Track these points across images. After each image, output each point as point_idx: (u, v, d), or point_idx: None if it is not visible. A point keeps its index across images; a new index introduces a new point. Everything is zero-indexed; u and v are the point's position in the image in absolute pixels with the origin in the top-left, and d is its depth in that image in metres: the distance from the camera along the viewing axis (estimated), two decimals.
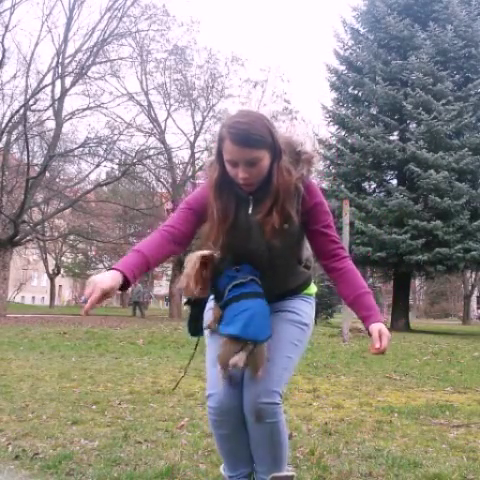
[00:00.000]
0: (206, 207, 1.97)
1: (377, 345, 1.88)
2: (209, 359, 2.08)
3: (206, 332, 2.13)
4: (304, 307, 2.15)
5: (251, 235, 1.98)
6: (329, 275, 2.07)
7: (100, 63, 21.25)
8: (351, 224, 13.42)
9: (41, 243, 33.06)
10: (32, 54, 19.83)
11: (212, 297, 2.08)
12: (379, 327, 1.91)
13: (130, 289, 26.50)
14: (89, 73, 20.77)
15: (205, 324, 2.12)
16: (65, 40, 19.75)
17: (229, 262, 1.99)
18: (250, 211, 1.95)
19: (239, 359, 1.82)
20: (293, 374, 2.18)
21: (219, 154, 1.91)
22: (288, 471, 2.12)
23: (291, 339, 2.08)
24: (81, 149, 21.87)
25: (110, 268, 1.81)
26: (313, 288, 2.23)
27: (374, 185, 21.13)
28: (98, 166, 22.69)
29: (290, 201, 1.92)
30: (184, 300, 2.31)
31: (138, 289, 26.99)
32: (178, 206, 2.11)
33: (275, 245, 1.95)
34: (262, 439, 2.02)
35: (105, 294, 1.70)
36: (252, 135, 1.82)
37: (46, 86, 19.96)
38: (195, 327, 2.20)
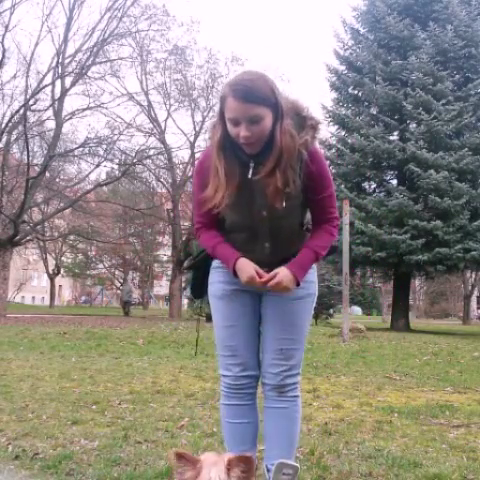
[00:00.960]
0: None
1: (263, 279, 1.98)
2: (216, 325, 2.19)
3: (210, 293, 2.21)
4: (309, 275, 2.15)
5: (254, 198, 1.97)
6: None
7: (100, 63, 21.26)
8: (351, 224, 13.42)
9: (41, 243, 33.07)
10: (32, 54, 19.86)
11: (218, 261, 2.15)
12: (282, 270, 1.98)
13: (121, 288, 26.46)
14: (89, 73, 20.78)
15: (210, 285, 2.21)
16: (65, 40, 19.75)
17: (234, 225, 2.04)
18: (250, 175, 1.93)
19: None
20: None
21: (221, 115, 1.89)
22: (295, 462, 2.17)
23: (303, 318, 2.16)
24: (81, 149, 21.88)
25: (233, 264, 2.01)
26: None
27: (374, 185, 21.14)
28: (98, 166, 22.72)
29: (293, 164, 1.90)
30: (185, 265, 2.37)
31: (128, 289, 26.93)
32: (193, 185, 2.13)
33: (278, 207, 1.94)
34: (282, 414, 2.14)
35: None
36: (254, 91, 1.80)
37: (46, 86, 19.97)
38: (199, 290, 2.28)
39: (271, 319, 2.15)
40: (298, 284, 2.03)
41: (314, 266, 2.18)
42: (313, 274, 2.19)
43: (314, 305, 2.23)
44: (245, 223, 2.04)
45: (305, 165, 1.94)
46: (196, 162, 2.13)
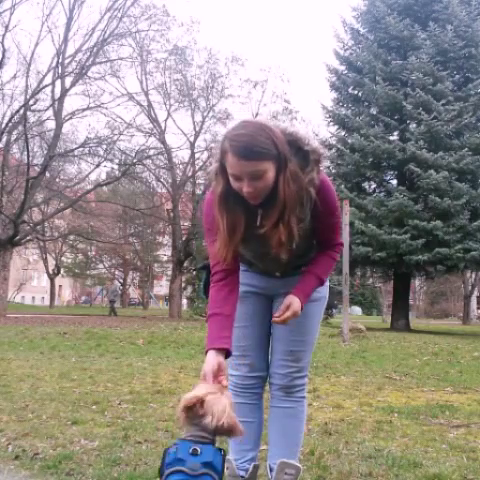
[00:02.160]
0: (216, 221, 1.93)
1: (277, 314, 1.98)
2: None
3: None
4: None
5: (263, 243, 1.94)
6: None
7: (100, 63, 21.28)
8: (351, 224, 13.43)
9: (41, 243, 33.08)
10: (32, 54, 19.87)
11: None
12: (291, 299, 1.97)
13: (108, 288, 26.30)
14: (89, 73, 20.80)
15: None
16: (65, 40, 19.76)
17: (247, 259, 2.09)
18: (258, 223, 1.90)
19: None
20: None
21: (222, 167, 1.83)
22: (298, 462, 2.18)
23: (314, 321, 2.19)
24: (81, 149, 21.89)
25: (206, 351, 1.83)
26: None
27: (374, 185, 21.15)
28: (98, 166, 22.73)
29: (298, 211, 1.87)
30: (199, 265, 2.37)
31: (114, 288, 26.82)
32: (205, 234, 2.06)
33: (283, 258, 1.97)
34: (288, 414, 2.16)
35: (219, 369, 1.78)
36: (255, 147, 1.72)
37: (46, 86, 19.98)
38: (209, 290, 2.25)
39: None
40: (301, 310, 2.03)
41: None
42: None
43: (323, 309, 2.26)
44: (255, 257, 2.11)
45: (314, 203, 1.90)
46: (203, 211, 2.06)
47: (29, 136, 19.50)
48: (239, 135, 1.74)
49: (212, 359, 1.78)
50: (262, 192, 1.81)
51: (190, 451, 1.54)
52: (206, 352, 1.83)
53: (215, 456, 1.58)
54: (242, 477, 2.16)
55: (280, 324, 2.01)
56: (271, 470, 2.15)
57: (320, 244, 2.09)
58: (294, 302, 1.97)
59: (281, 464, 2.10)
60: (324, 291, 2.21)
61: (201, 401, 1.60)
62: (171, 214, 26.03)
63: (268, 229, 1.87)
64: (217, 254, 1.94)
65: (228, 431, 1.61)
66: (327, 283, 2.21)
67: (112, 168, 25.24)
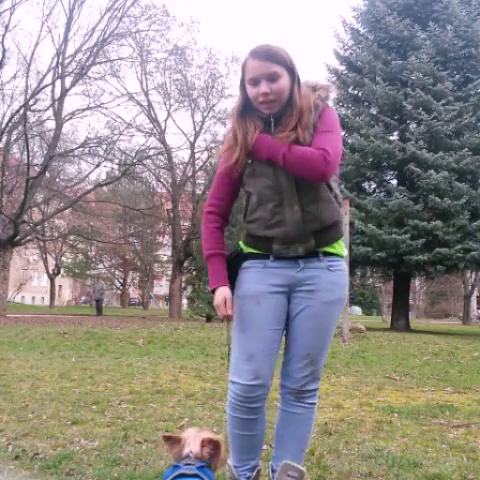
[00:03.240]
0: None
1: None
2: (239, 331, 2.12)
3: (237, 294, 2.15)
4: (339, 279, 2.11)
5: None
6: None
7: (100, 63, 21.27)
8: (351, 224, 13.42)
9: (41, 243, 33.07)
10: (32, 54, 19.87)
11: (250, 261, 2.13)
12: None
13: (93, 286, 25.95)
14: (89, 73, 20.79)
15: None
16: (65, 40, 19.75)
17: (260, 195, 2.03)
18: (272, 129, 2.00)
19: None
20: None
21: (242, 84, 2.01)
22: (301, 467, 2.17)
23: (331, 324, 2.13)
24: (81, 149, 21.89)
25: (213, 290, 2.08)
26: (343, 247, 2.17)
27: (374, 185, 21.14)
28: (98, 166, 22.72)
29: (311, 119, 1.99)
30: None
31: (100, 286, 26.58)
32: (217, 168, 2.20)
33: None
34: (297, 419, 2.13)
35: (226, 300, 2.05)
36: (272, 51, 1.95)
37: (46, 86, 19.97)
38: None
39: (301, 322, 2.10)
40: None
41: (346, 269, 2.18)
42: (344, 277, 2.15)
43: (341, 309, 2.20)
44: (270, 185, 2.01)
45: (319, 117, 2.01)
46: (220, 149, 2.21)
47: (29, 136, 19.50)
48: (259, 45, 1.99)
49: (220, 293, 2.04)
50: (277, 96, 1.95)
51: (184, 463, 1.76)
52: (213, 289, 2.07)
53: (206, 469, 1.77)
54: None
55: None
56: (273, 471, 2.14)
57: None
58: None
59: (284, 465, 2.08)
60: (343, 293, 2.14)
61: (178, 439, 1.82)
62: (171, 214, 26.04)
63: (285, 132, 1.95)
64: (228, 165, 2.04)
65: (210, 458, 1.80)
66: (346, 283, 2.16)
67: (112, 168, 25.27)
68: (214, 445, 1.80)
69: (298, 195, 1.99)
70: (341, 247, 2.14)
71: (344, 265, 2.16)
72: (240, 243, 2.19)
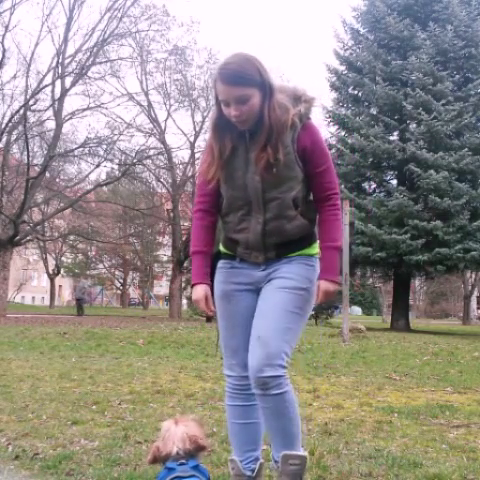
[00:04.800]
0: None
1: (315, 299, 2.13)
2: (220, 329, 2.24)
3: (214, 293, 2.24)
4: (301, 270, 2.13)
5: (248, 168, 2.07)
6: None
7: (100, 63, 21.28)
8: (351, 224, 13.42)
9: (41, 243, 33.09)
10: (32, 54, 19.89)
11: (221, 261, 2.24)
12: (319, 284, 2.12)
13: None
14: (89, 73, 20.81)
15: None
16: (65, 40, 19.76)
17: (230, 201, 2.12)
18: (247, 144, 2.05)
19: None
20: (295, 345, 2.20)
21: (216, 97, 2.03)
22: (301, 451, 2.14)
23: (287, 307, 2.08)
24: (81, 149, 21.89)
25: (192, 285, 2.20)
26: (315, 248, 2.20)
27: (374, 185, 21.15)
28: (98, 166, 22.73)
29: (283, 138, 2.01)
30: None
31: (82, 286, 26.29)
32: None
33: (267, 178, 2.03)
34: (271, 413, 2.08)
35: (206, 298, 2.17)
36: (240, 74, 1.92)
37: (46, 86, 19.98)
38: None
39: (257, 309, 2.16)
40: (338, 283, 2.13)
41: (314, 265, 2.17)
42: (309, 271, 2.14)
43: (306, 303, 2.13)
44: (240, 195, 2.10)
45: (298, 137, 2.03)
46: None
47: (29, 136, 19.50)
48: (227, 64, 1.96)
49: (201, 290, 2.16)
50: (248, 116, 1.98)
51: (178, 463, 1.75)
52: (193, 285, 2.19)
53: (200, 466, 1.78)
54: (249, 476, 2.17)
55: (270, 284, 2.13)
56: (276, 462, 2.16)
57: (317, 197, 2.15)
58: (321, 284, 2.11)
59: (284, 456, 2.10)
60: (303, 283, 2.11)
61: (157, 448, 1.81)
62: (171, 214, 26.04)
63: (257, 151, 2.01)
64: (205, 179, 2.13)
65: (197, 450, 1.81)
66: (310, 276, 2.14)
67: (112, 168, 25.29)
68: (196, 436, 1.81)
69: (264, 210, 2.09)
70: (310, 249, 2.18)
71: (309, 260, 2.15)
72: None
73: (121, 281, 48.47)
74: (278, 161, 2.00)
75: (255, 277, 2.18)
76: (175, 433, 1.80)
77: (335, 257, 2.13)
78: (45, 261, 39.36)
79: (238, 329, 2.19)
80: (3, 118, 20.55)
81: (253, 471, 2.19)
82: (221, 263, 2.25)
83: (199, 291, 2.15)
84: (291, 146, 2.02)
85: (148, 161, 23.82)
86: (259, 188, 2.06)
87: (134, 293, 58.28)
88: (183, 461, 1.74)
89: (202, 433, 1.85)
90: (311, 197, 2.17)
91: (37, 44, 19.88)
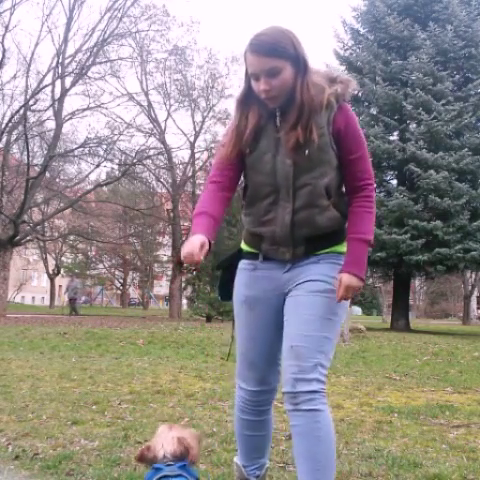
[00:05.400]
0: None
1: (336, 294, 1.90)
2: (238, 336, 2.06)
3: (233, 297, 2.08)
4: (331, 270, 1.93)
5: (278, 151, 1.90)
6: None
7: (100, 63, 21.28)
8: None
9: (41, 243, 33.08)
10: (32, 54, 19.88)
11: (243, 261, 2.05)
12: (341, 277, 1.89)
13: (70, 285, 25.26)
14: (89, 73, 20.80)
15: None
16: (65, 40, 19.75)
17: (257, 188, 1.94)
18: (278, 123, 1.90)
19: None
20: (332, 356, 1.99)
21: (246, 75, 1.89)
22: None
23: (321, 313, 1.89)
24: (81, 149, 21.89)
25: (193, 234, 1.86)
26: (345, 246, 2.00)
27: (374, 185, 21.13)
28: (98, 166, 22.72)
29: (317, 116, 1.85)
30: (217, 264, 2.28)
31: (74, 285, 25.94)
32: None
33: (299, 161, 1.86)
34: (300, 432, 1.85)
35: (202, 246, 1.78)
36: (271, 45, 1.79)
37: (46, 86, 19.98)
38: (226, 291, 2.14)
39: (286, 317, 1.95)
40: (363, 280, 1.91)
41: (340, 262, 1.97)
42: (337, 270, 1.95)
43: (340, 307, 1.96)
44: (268, 181, 1.92)
45: (334, 118, 1.86)
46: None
47: (29, 136, 19.50)
48: (259, 35, 1.82)
49: (197, 239, 1.79)
50: (278, 92, 1.82)
51: (165, 464, 1.74)
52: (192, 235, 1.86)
53: (188, 467, 1.76)
54: None
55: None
56: None
57: (349, 188, 1.97)
58: (343, 277, 1.87)
59: None
60: (333, 284, 1.91)
61: (147, 447, 1.80)
62: (171, 214, 26.04)
63: (286, 131, 1.85)
64: (223, 156, 1.95)
65: (186, 455, 1.78)
66: (337, 275, 1.94)
67: (112, 168, 25.28)
68: (187, 441, 1.80)
69: (293, 197, 1.91)
70: (342, 246, 2.01)
71: (340, 259, 1.97)
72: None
73: (121, 281, 48.47)
74: (311, 142, 1.83)
75: (279, 280, 1.99)
76: (166, 436, 1.81)
77: (363, 251, 1.93)
78: (45, 261, 39.36)
79: (259, 341, 2.02)
80: (3, 118, 20.58)
81: (258, 477, 2.14)
82: (243, 263, 2.06)
83: (195, 239, 1.79)
84: (326, 127, 1.85)
85: (148, 161, 23.82)
86: (290, 172, 1.88)
87: (134, 293, 58.27)
88: (171, 463, 1.75)
89: (194, 443, 1.81)
90: (344, 189, 2.00)
91: (37, 44, 19.90)
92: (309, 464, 1.83)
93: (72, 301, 25.09)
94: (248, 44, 1.83)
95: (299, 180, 1.88)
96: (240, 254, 2.10)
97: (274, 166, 1.90)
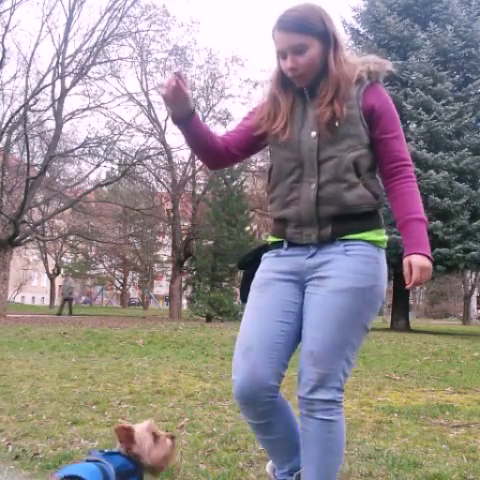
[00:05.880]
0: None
1: (407, 281, 1.78)
2: (242, 324, 1.89)
3: (251, 286, 1.95)
4: (360, 264, 1.77)
5: (304, 124, 1.83)
6: (387, 196, 1.88)
7: (100, 63, 21.27)
8: None
9: (41, 243, 33.08)
10: (32, 54, 19.87)
11: (266, 252, 1.95)
12: (409, 260, 1.75)
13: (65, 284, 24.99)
14: (89, 73, 20.80)
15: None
16: (65, 40, 19.75)
17: (281, 164, 1.88)
18: (308, 102, 1.84)
19: None
20: (355, 362, 1.87)
21: (276, 55, 1.85)
22: None
23: (345, 317, 1.75)
24: (81, 149, 21.88)
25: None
26: (381, 235, 1.85)
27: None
28: (98, 166, 22.71)
29: (349, 90, 1.79)
30: (236, 262, 2.19)
31: (69, 284, 25.77)
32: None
33: (325, 133, 1.79)
34: (310, 438, 1.78)
35: (177, 88, 1.84)
36: (297, 20, 1.74)
37: (46, 86, 19.98)
38: (248, 291, 1.97)
39: (306, 313, 1.81)
40: (432, 261, 1.79)
41: (377, 257, 1.83)
42: (370, 264, 1.81)
43: (369, 308, 1.80)
44: (291, 158, 1.83)
45: (364, 93, 1.80)
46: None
47: (29, 136, 19.49)
48: (287, 11, 1.78)
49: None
50: (305, 70, 1.78)
51: (99, 450, 1.79)
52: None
53: (116, 455, 1.75)
54: None
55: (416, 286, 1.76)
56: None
57: (387, 171, 1.85)
58: (412, 259, 1.73)
59: None
60: (361, 281, 1.76)
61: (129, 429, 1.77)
62: (171, 214, 26.03)
63: (321, 106, 1.79)
64: (268, 123, 1.89)
65: (124, 444, 1.77)
66: (369, 270, 1.80)
67: (112, 168, 25.28)
68: (130, 433, 1.76)
69: (318, 171, 1.79)
70: (375, 234, 1.85)
71: (371, 250, 1.81)
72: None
73: (121, 281, 48.46)
74: (341, 115, 1.76)
75: (301, 265, 1.83)
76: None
77: (423, 231, 1.77)
78: (45, 261, 39.36)
79: (262, 323, 1.81)
80: (3, 118, 20.58)
81: None
82: (266, 254, 1.94)
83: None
84: (355, 101, 1.78)
85: (148, 161, 23.81)
86: (315, 144, 1.79)
87: (134, 293, 58.28)
88: (105, 450, 1.78)
89: (144, 435, 1.76)
90: (378, 176, 1.89)
91: (37, 44, 19.89)
92: (318, 471, 1.79)
93: (68, 301, 24.99)
94: (276, 21, 1.78)
95: (324, 153, 1.79)
96: (265, 248, 1.98)
97: (299, 138, 1.83)
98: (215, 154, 1.94)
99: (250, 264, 2.02)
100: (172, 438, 1.86)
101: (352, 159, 1.78)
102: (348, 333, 1.76)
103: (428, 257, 1.75)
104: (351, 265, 1.77)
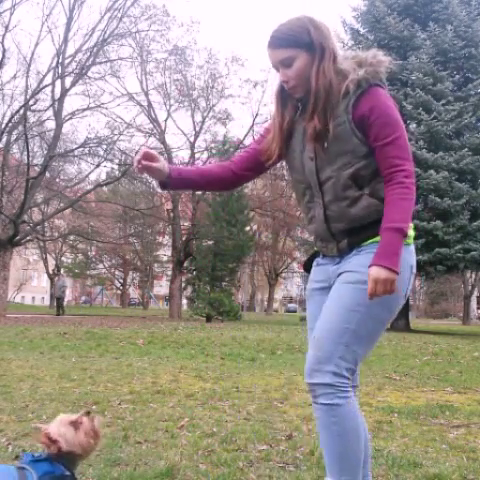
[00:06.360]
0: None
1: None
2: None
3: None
4: (367, 260, 1.78)
5: (305, 147, 1.88)
6: None
7: (100, 63, 21.29)
8: None
9: (41, 243, 33.09)
10: (32, 54, 19.89)
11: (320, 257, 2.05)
12: (369, 271, 1.73)
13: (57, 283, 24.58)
14: (89, 73, 20.82)
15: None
16: (65, 40, 19.76)
17: (297, 186, 1.97)
18: (297, 116, 1.90)
19: None
20: (365, 351, 1.88)
21: None
22: None
23: (346, 304, 1.80)
24: (81, 149, 21.89)
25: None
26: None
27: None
28: (98, 166, 22.72)
29: (335, 105, 1.78)
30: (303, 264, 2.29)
31: (62, 283, 25.53)
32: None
33: (320, 154, 1.82)
34: (318, 424, 1.85)
35: (147, 157, 1.86)
36: (282, 34, 1.79)
37: (46, 86, 19.99)
38: None
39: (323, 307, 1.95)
40: (395, 272, 1.70)
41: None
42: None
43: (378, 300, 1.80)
44: (300, 178, 1.93)
45: (354, 104, 1.77)
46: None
47: (29, 136, 19.50)
48: (276, 27, 1.83)
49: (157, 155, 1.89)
50: (296, 82, 1.82)
51: (31, 456, 1.77)
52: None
53: (42, 462, 1.73)
54: None
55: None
56: None
57: (384, 175, 1.81)
58: (370, 271, 1.72)
59: None
60: (362, 274, 1.78)
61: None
62: (171, 214, 26.04)
63: (305, 121, 1.84)
64: (267, 149, 1.96)
65: (50, 449, 1.74)
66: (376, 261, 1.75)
67: (112, 168, 25.29)
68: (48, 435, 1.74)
69: (321, 192, 1.87)
70: None
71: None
72: None
73: (121, 281, 48.48)
74: (327, 133, 1.77)
75: (330, 273, 1.95)
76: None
77: (393, 240, 1.72)
78: (45, 261, 39.37)
79: (311, 332, 1.97)
80: (3, 118, 20.58)
81: None
82: (317, 261, 2.07)
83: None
84: (345, 116, 1.77)
85: None
86: (313, 166, 1.85)
87: (134, 293, 58.29)
88: (36, 454, 1.76)
89: (63, 430, 1.76)
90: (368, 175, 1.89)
91: (37, 44, 19.90)
92: (329, 456, 1.83)
93: (60, 300, 24.78)
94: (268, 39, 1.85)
95: (323, 174, 1.85)
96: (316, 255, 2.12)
97: (302, 162, 1.90)
98: (220, 183, 2.05)
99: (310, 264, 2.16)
100: (87, 414, 1.84)
101: (348, 176, 1.81)
102: (347, 319, 1.79)
103: (389, 268, 1.70)
104: (362, 260, 1.83)
